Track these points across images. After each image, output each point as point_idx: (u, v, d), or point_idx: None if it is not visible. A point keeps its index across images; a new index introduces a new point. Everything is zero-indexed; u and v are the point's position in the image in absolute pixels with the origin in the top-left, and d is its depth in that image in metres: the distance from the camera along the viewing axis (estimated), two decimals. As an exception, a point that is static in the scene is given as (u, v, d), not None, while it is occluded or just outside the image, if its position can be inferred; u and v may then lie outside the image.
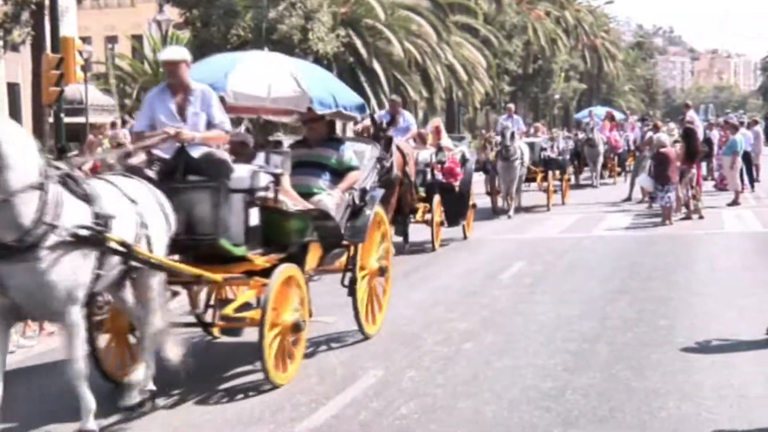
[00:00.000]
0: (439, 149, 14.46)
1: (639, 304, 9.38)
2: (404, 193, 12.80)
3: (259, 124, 8.00)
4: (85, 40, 41.97)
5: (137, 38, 46.04)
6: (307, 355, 7.58)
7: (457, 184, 14.37)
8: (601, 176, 27.06)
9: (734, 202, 19.01)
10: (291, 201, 7.22)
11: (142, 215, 5.96)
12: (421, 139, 14.72)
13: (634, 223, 16.94)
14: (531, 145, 19.81)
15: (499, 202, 18.80)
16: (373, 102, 32.83)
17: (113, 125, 19.91)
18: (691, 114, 21.97)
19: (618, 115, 35.77)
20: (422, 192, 13.88)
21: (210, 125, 6.86)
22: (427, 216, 13.87)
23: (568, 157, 23.05)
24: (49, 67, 19.27)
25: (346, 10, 32.92)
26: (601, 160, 26.54)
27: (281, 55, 9.37)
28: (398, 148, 12.41)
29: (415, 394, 6.50)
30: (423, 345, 7.98)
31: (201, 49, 29.63)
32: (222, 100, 7.10)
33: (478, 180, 19.26)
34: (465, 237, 15.08)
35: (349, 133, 17.02)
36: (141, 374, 6.12)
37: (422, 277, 11.73)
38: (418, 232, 14.13)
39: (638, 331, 8.16)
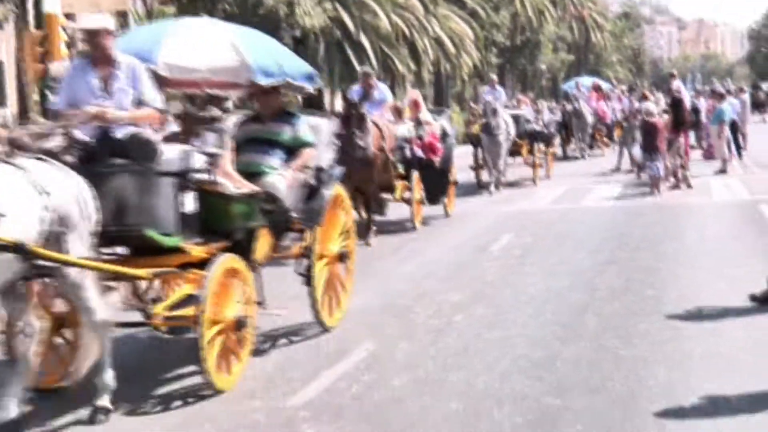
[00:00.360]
0: (418, 123, 13.83)
1: (627, 274, 9.45)
2: (381, 171, 12.40)
3: (204, 99, 7.26)
4: (69, 16, 41.54)
5: (122, 15, 45.70)
6: (296, 332, 7.62)
7: (437, 159, 13.74)
8: (590, 147, 26.91)
9: (722, 171, 19.10)
10: (233, 183, 6.53)
11: (55, 208, 5.19)
12: (397, 113, 14.11)
13: (622, 194, 16.99)
14: (516, 118, 19.16)
15: (484, 176, 18.41)
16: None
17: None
18: (677, 83, 22.01)
19: (605, 86, 35.20)
20: (401, 169, 13.26)
21: (139, 103, 6.13)
22: (407, 194, 13.34)
23: (553, 129, 22.58)
24: (32, 44, 19.10)
25: (332, -17, 32.71)
26: (588, 131, 26.30)
27: (220, 21, 8.70)
28: (375, 124, 12.05)
29: (407, 367, 6.55)
30: (415, 318, 8.02)
31: (187, 24, 29.52)
32: (154, 74, 6.48)
33: (467, 152, 19.30)
34: (447, 215, 14.62)
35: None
36: (104, 375, 5.71)
37: (412, 251, 11.76)
38: (397, 210, 13.79)
39: (626, 300, 8.22)
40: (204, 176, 6.25)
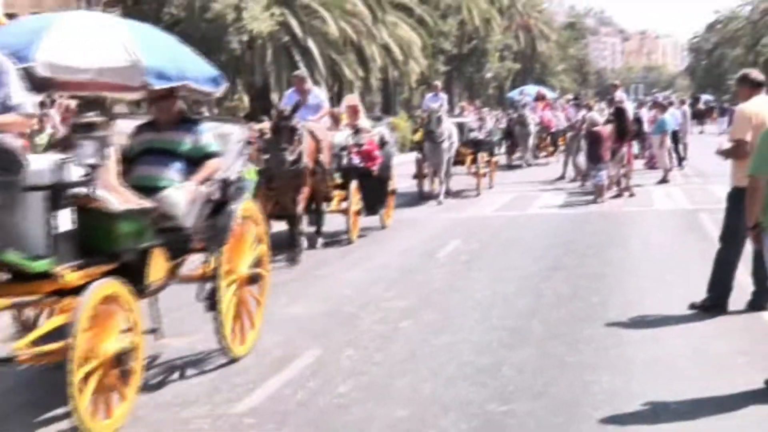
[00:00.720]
0: (356, 131, 13.30)
1: (573, 280, 9.55)
2: (318, 183, 11.85)
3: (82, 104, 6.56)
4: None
5: (65, 16, 44.99)
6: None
7: (375, 168, 13.22)
8: (535, 156, 26.87)
9: (663, 180, 19.45)
10: (118, 198, 5.77)
11: None
12: (334, 120, 13.63)
13: (567, 202, 17.20)
14: (459, 126, 18.81)
15: (426, 185, 17.97)
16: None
17: (42, 105, 19.43)
18: (619, 94, 22.33)
19: (550, 94, 35.58)
20: (338, 178, 12.72)
21: (4, 107, 5.30)
22: (344, 204, 12.79)
23: (496, 138, 22.24)
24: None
25: (280, -12, 32.59)
26: (532, 139, 26.12)
27: (112, 16, 7.90)
28: (311, 134, 11.50)
29: (353, 373, 6.53)
30: (361, 324, 8.00)
31: (132, 27, 29.15)
32: (30, 73, 5.63)
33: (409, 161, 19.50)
34: (383, 226, 13.94)
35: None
36: None
37: (359, 257, 11.74)
38: (334, 222, 13.07)
39: (572, 307, 8.30)
40: (82, 190, 5.45)
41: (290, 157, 10.87)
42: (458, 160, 18.83)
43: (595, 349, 6.91)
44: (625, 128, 17.52)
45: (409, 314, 8.27)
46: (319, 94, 13.67)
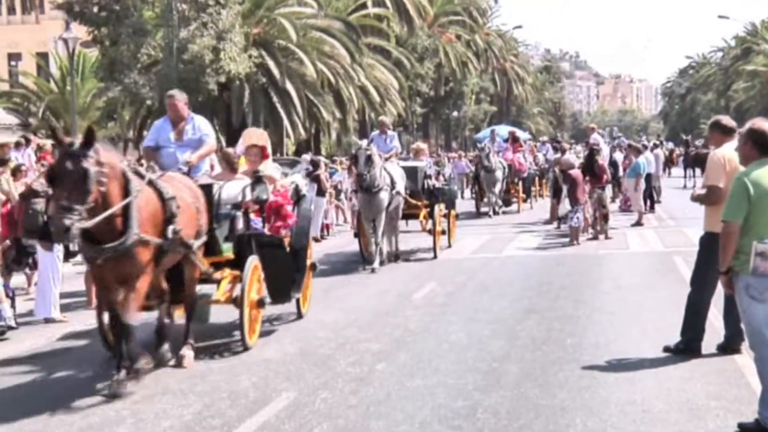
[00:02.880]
0: (257, 180, 9.26)
1: (547, 322, 9.59)
2: (177, 262, 8.13)
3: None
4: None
5: (42, 56, 45.03)
6: (218, 378, 7.50)
7: (286, 234, 9.57)
8: (505, 202, 24.84)
9: (638, 223, 19.61)
10: None
11: None
12: (227, 164, 9.64)
13: (542, 244, 17.29)
14: (412, 171, 15.80)
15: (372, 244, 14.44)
16: (286, 122, 32.79)
17: (17, 145, 19.39)
18: (595, 136, 22.62)
19: (523, 135, 33.08)
20: (228, 251, 8.94)
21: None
22: (236, 290, 8.77)
23: (456, 187, 19.08)
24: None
25: (258, 30, 32.83)
26: (499, 186, 23.73)
27: None
28: (154, 187, 7.56)
29: (328, 416, 6.50)
30: (336, 366, 7.98)
31: (110, 67, 29.24)
32: None
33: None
34: (299, 315, 10.32)
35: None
36: None
37: (335, 298, 11.73)
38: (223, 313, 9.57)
39: (546, 349, 8.33)
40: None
41: (81, 224, 6.70)
42: (410, 213, 15.92)
43: (570, 391, 6.93)
44: (596, 170, 17.69)
45: (384, 356, 8.26)
46: (200, 125, 9.32)
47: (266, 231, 9.28)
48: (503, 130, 31.34)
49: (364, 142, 14.46)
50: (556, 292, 11.56)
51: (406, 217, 15.94)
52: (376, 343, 8.82)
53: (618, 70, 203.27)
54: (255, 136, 10.46)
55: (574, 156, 18.86)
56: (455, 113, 59.32)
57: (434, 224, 15.63)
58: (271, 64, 31.88)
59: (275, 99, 32.44)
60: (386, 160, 14.89)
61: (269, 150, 10.15)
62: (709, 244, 7.77)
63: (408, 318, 10.15)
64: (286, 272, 9.46)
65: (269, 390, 7.24)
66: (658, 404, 6.55)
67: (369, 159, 13.84)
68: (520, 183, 25.49)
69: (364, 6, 43.70)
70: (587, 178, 17.40)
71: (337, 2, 39.92)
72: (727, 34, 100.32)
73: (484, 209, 24.24)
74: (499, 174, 23.42)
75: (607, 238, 17.33)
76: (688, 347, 7.86)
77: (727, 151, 7.58)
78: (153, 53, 28.84)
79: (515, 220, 22.12)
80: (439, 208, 16.00)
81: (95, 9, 29.01)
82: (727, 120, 8.14)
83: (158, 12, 29.83)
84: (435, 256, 15.35)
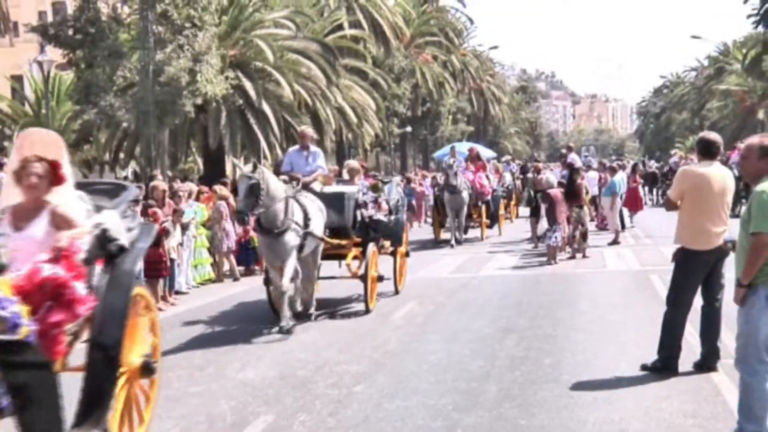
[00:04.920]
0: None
1: (526, 342, 9.60)
2: None
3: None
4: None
5: (17, 79, 44.82)
6: (196, 402, 7.45)
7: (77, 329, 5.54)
8: (465, 229, 22.06)
9: (614, 242, 19.72)
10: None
11: None
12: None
13: (521, 263, 17.35)
14: (337, 200, 12.05)
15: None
16: (263, 144, 32.78)
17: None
18: (572, 156, 22.75)
19: (486, 153, 30.37)
20: None
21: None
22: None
23: (404, 216, 14.44)
24: None
25: (235, 52, 32.85)
26: (465, 210, 21.19)
27: None
28: None
29: (307, 439, 6.46)
30: (314, 388, 7.95)
31: (86, 90, 29.11)
32: None
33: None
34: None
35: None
36: None
37: (312, 320, 11.69)
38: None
39: (525, 369, 8.34)
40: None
41: None
42: (335, 254, 12.40)
43: (548, 411, 6.94)
44: (577, 189, 17.80)
45: (363, 378, 8.24)
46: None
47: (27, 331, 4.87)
48: (463, 146, 28.14)
49: (248, 168, 10.45)
50: (535, 311, 11.59)
51: (330, 257, 12.42)
52: (355, 365, 8.79)
53: (594, 89, 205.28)
54: (38, 141, 5.97)
55: (552, 175, 18.89)
56: (440, 135, 59.42)
57: (366, 268, 11.94)
58: (248, 85, 31.91)
59: (252, 120, 32.44)
60: (304, 186, 11.67)
61: (65, 167, 5.81)
62: (683, 260, 7.85)
63: (387, 338, 10.14)
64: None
65: (247, 413, 7.20)
66: (635, 423, 6.57)
67: (253, 189, 10.13)
68: (483, 206, 22.41)
69: (340, 27, 43.89)
70: (565, 197, 17.49)
71: (314, 24, 40.07)
72: (700, 53, 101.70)
73: (444, 236, 21.77)
74: (465, 196, 20.92)
75: (584, 256, 17.42)
76: (665, 365, 7.89)
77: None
78: (129, 76, 28.76)
79: (490, 243, 22.11)
80: (374, 248, 12.40)
81: (70, 31, 28.90)
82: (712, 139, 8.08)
83: (134, 34, 29.80)
84: (367, 310, 11.81)
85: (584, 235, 17.72)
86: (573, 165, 19.88)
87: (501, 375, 8.16)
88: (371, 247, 12.27)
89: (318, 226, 11.38)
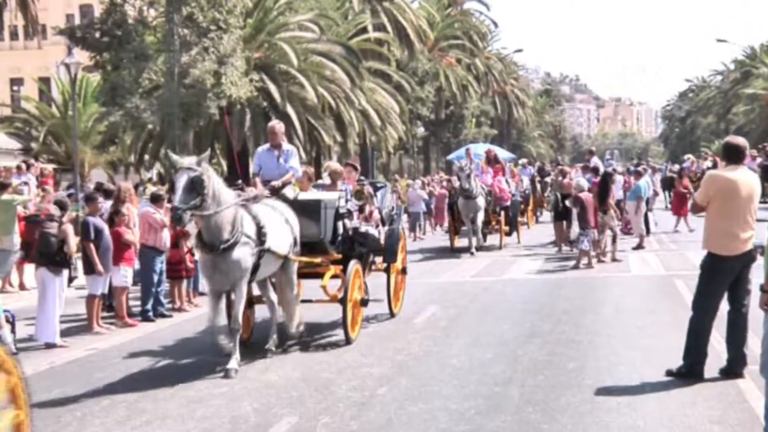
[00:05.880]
0: None
1: (549, 346, 9.56)
2: None
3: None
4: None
5: (44, 81, 45.25)
6: (219, 403, 7.48)
7: None
8: (483, 236, 20.76)
9: (639, 246, 19.59)
10: None
11: None
12: None
13: (544, 267, 17.28)
14: (311, 208, 10.16)
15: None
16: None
17: (18, 169, 19.46)
18: (594, 160, 22.64)
19: (504, 154, 28.70)
20: None
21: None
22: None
23: (400, 226, 12.45)
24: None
25: (259, 54, 32.97)
26: (481, 216, 19.81)
27: None
28: None
29: (329, 441, 6.46)
30: (337, 391, 7.96)
31: (112, 92, 29.35)
32: None
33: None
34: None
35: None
36: None
37: (335, 323, 11.69)
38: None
39: (548, 373, 8.31)
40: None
41: None
42: (309, 273, 10.51)
43: (572, 416, 6.90)
44: (606, 194, 17.68)
45: (386, 381, 8.24)
46: None
47: None
48: (480, 148, 26.52)
49: (188, 159, 8.67)
50: (558, 316, 11.53)
51: (305, 275, 10.60)
52: (377, 368, 8.79)
53: (618, 93, 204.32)
54: None
55: (583, 179, 18.40)
56: (463, 138, 59.30)
57: (346, 289, 10.03)
58: (272, 88, 32.00)
59: (276, 123, 32.53)
60: (275, 191, 10.00)
61: None
62: (707, 265, 7.79)
63: (410, 342, 10.13)
64: None
65: (270, 415, 7.21)
66: (660, 429, 6.52)
67: (194, 184, 8.35)
68: (502, 213, 20.95)
69: (364, 30, 43.91)
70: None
71: (338, 27, 40.11)
72: (727, 57, 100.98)
73: (459, 244, 20.60)
74: (481, 201, 19.60)
75: (615, 260, 17.26)
76: (690, 371, 7.83)
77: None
78: (154, 78, 28.97)
79: (513, 246, 22.00)
80: (357, 266, 10.41)
81: (97, 34, 29.19)
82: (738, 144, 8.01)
83: (160, 37, 30.00)
84: (347, 341, 10.00)
85: (613, 239, 17.63)
86: (605, 169, 19.77)
87: (524, 379, 8.13)
88: (353, 265, 10.32)
89: (280, 241, 9.38)
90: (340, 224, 10.55)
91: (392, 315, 11.75)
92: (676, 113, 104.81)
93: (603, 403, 7.27)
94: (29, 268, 14.16)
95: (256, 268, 9.07)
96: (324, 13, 37.31)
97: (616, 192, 21.14)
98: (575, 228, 17.83)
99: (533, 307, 12.44)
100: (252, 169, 11.11)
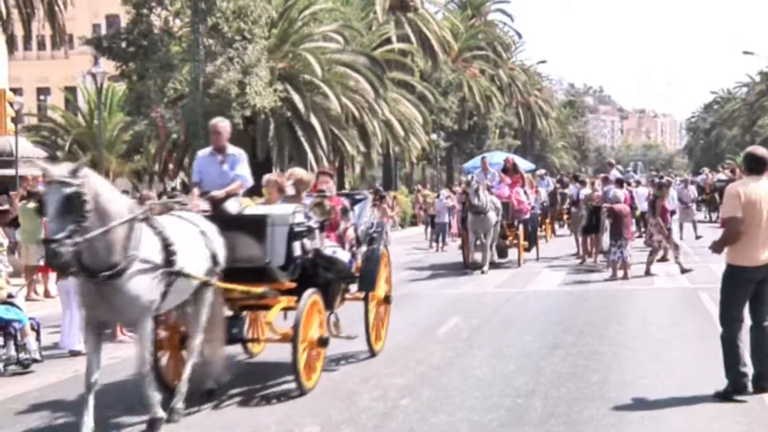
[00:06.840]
0: None
1: (572, 358, 9.51)
2: None
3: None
4: (16, 91, 41.68)
5: (71, 90, 45.69)
6: (240, 412, 7.49)
7: None
8: (500, 252, 19.80)
9: (663, 259, 19.44)
10: None
11: None
12: None
13: (567, 279, 17.20)
14: (255, 226, 8.30)
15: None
16: (310, 156, 32.95)
17: (44, 178, 19.61)
18: (614, 172, 22.61)
19: (524, 164, 27.01)
20: None
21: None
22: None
23: (381, 246, 10.09)
24: (-21, 118, 18.99)
25: (284, 65, 33.11)
26: (492, 233, 18.23)
27: None
28: None
29: (351, 452, 6.45)
30: (359, 401, 7.95)
31: (137, 102, 29.60)
32: None
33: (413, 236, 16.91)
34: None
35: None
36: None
37: (358, 332, 11.67)
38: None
39: (571, 386, 8.26)
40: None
41: None
42: (252, 305, 8.72)
43: (595, 429, 6.86)
44: (657, 206, 17.61)
45: (408, 392, 8.22)
46: None
47: None
48: (497, 157, 24.93)
49: (60, 169, 6.63)
50: (581, 328, 11.47)
51: (251, 309, 8.87)
52: (400, 378, 8.78)
53: (642, 104, 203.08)
54: None
55: (620, 191, 18.07)
56: (486, 149, 59.28)
57: (296, 327, 8.10)
58: (296, 98, 32.10)
59: (300, 133, 32.61)
60: (215, 204, 8.36)
61: None
62: (729, 276, 7.71)
63: (432, 353, 10.11)
64: None
65: (292, 425, 7.22)
66: (685, 443, 6.47)
67: (71, 203, 6.43)
68: (521, 226, 19.48)
69: (388, 41, 43.99)
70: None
71: (362, 38, 40.22)
72: (752, 69, 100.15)
73: (474, 259, 18.97)
74: (492, 216, 18.06)
75: (648, 273, 16.98)
76: (736, 389, 7.56)
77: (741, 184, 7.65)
78: (179, 87, 29.16)
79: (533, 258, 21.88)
80: (314, 297, 8.47)
81: (123, 44, 29.46)
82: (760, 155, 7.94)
83: (185, 47, 30.23)
84: (301, 391, 8.09)
85: (676, 247, 17.60)
86: (628, 181, 19.77)
87: (547, 391, 8.08)
88: (308, 296, 8.32)
89: (196, 262, 7.45)
90: (296, 245, 8.45)
91: (372, 354, 9.82)
92: (701, 125, 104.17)
93: (627, 416, 7.21)
94: (53, 276, 14.27)
95: (164, 295, 7.07)
96: (348, 23, 37.42)
97: (640, 204, 21.05)
98: (606, 239, 17.71)
99: (556, 318, 12.38)
100: (192, 178, 9.24)
